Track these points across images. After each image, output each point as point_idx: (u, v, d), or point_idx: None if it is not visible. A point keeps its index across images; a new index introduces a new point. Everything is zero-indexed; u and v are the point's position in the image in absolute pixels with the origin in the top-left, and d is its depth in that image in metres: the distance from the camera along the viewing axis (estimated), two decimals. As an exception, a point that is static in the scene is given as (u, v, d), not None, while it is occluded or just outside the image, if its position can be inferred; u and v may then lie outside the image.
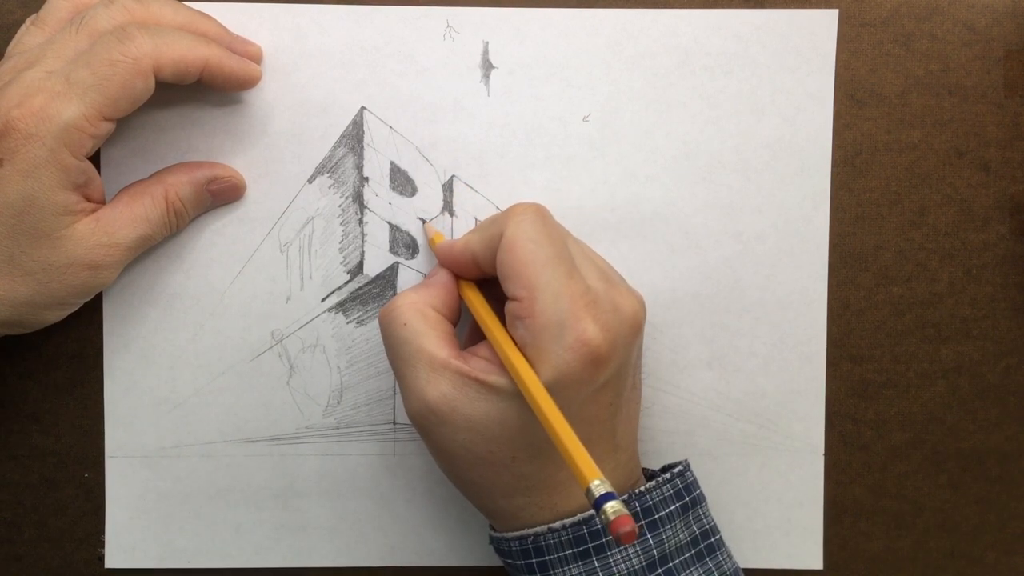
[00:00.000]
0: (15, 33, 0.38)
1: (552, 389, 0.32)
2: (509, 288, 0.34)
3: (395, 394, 0.41)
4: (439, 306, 0.36)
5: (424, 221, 0.41)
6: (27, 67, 0.34)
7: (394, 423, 0.42)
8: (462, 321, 0.38)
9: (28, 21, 0.37)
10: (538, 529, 0.35)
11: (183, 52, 0.35)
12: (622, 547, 0.34)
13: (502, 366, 0.34)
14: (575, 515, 0.35)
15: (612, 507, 0.28)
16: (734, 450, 0.42)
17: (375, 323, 0.41)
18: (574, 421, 0.32)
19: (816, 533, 0.42)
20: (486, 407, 0.34)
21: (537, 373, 0.33)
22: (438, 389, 0.34)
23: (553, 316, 0.33)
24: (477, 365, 0.34)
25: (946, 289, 0.42)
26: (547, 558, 0.35)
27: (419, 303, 0.36)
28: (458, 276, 0.37)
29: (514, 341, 0.34)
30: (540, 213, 0.35)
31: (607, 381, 0.34)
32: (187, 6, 0.38)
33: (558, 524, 0.34)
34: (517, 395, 0.33)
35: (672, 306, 0.41)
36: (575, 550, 0.34)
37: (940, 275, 0.42)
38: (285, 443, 0.41)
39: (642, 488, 0.36)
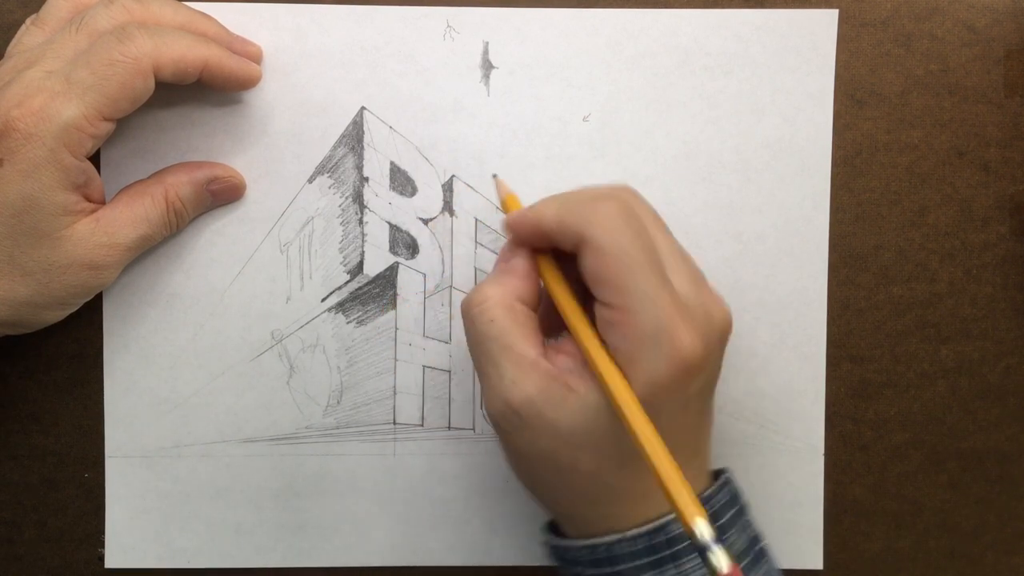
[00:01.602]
0: (15, 33, 0.38)
1: (646, 401, 0.31)
2: (599, 294, 0.32)
3: (395, 394, 0.41)
4: (525, 297, 0.34)
5: (495, 176, 0.40)
6: (27, 67, 0.34)
7: (394, 423, 0.41)
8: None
9: (28, 21, 0.37)
10: (610, 538, 0.33)
11: (183, 52, 0.35)
12: (695, 554, 0.33)
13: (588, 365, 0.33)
14: (651, 522, 0.33)
15: (720, 560, 0.27)
16: (734, 450, 0.42)
17: (375, 323, 0.41)
18: (664, 432, 0.31)
19: (816, 533, 0.42)
20: (572, 413, 0.32)
21: (630, 383, 0.31)
22: (523, 391, 0.32)
23: (648, 325, 0.31)
24: (565, 364, 0.33)
25: (946, 289, 0.42)
26: (621, 568, 0.33)
27: (507, 297, 0.34)
28: (533, 249, 0.35)
29: (604, 343, 0.32)
30: (625, 212, 0.33)
31: (699, 390, 0.33)
32: (187, 6, 0.38)
33: (632, 533, 0.33)
34: (605, 401, 0.32)
35: (672, 306, 0.41)
36: (650, 559, 0.33)
37: (940, 275, 0.42)
38: (285, 443, 0.41)
39: (707, 493, 0.35)
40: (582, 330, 0.33)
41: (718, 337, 0.33)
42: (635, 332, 0.31)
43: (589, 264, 0.32)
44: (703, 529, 0.28)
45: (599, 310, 0.33)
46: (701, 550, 0.28)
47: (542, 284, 0.35)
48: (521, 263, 0.35)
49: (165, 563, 0.42)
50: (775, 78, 0.41)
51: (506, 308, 0.33)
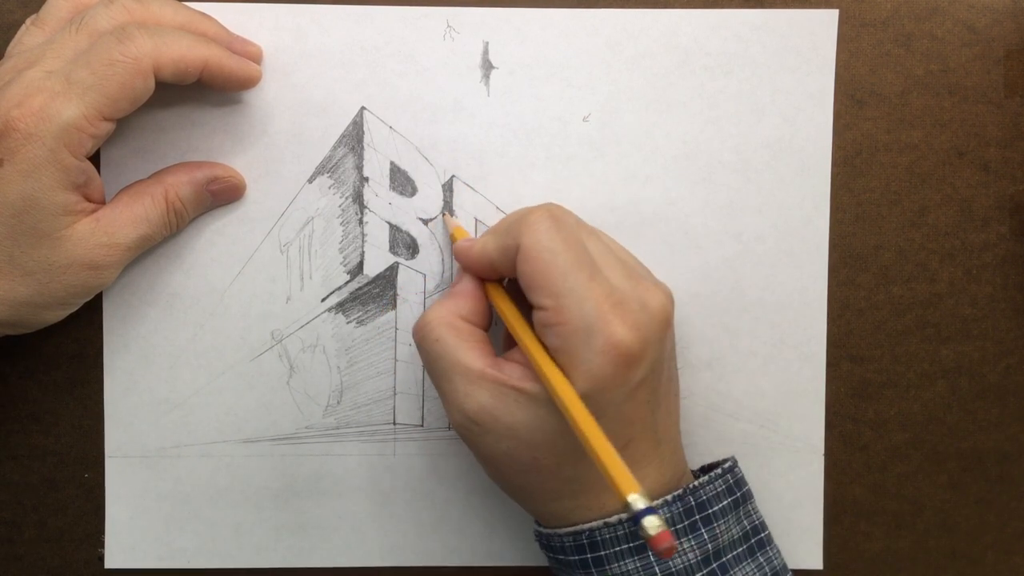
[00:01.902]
0: (15, 33, 0.38)
1: (588, 396, 0.32)
2: (534, 298, 0.34)
3: (395, 394, 0.41)
4: (469, 315, 0.36)
5: (444, 214, 0.41)
6: (27, 67, 0.34)
7: (394, 423, 0.42)
8: (499, 323, 0.38)
9: (28, 21, 0.37)
10: (593, 524, 0.35)
11: (183, 52, 0.35)
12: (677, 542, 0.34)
13: None
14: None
15: (651, 523, 0.28)
16: (734, 450, 0.42)
17: (375, 323, 0.41)
18: (614, 423, 0.31)
19: (816, 533, 0.42)
20: (526, 415, 0.33)
21: (571, 381, 0.32)
22: (476, 400, 0.34)
23: (580, 322, 0.32)
24: (513, 372, 0.34)
25: (946, 289, 0.42)
26: (603, 553, 0.35)
27: (448, 316, 0.35)
28: (482, 278, 0.37)
29: (546, 347, 0.34)
30: (554, 217, 0.34)
31: (643, 379, 0.34)
32: (187, 6, 0.38)
33: (614, 519, 0.34)
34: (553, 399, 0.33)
35: (672, 306, 0.41)
36: (631, 544, 0.34)
37: (940, 275, 0.42)
38: (285, 443, 0.41)
39: (696, 483, 0.36)
40: (524, 333, 0.34)
41: (657, 325, 0.34)
42: (569, 329, 0.33)
43: (523, 270, 0.34)
44: (636, 500, 0.29)
45: (536, 315, 0.34)
46: (635, 518, 0.28)
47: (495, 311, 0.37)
48: (465, 285, 0.37)
49: (165, 563, 0.42)
50: (775, 78, 0.41)
51: (448, 326, 0.35)
